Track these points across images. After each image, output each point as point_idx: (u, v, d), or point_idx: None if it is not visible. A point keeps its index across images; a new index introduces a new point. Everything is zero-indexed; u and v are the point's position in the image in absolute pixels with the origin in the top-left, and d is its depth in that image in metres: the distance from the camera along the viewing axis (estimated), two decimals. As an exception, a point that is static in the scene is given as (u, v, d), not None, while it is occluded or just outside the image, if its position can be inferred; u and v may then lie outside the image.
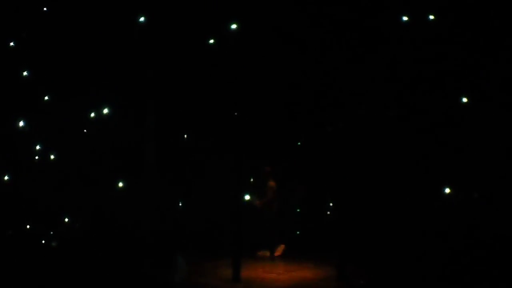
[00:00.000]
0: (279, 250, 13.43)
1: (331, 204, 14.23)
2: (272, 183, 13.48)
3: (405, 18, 11.61)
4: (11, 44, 12.00)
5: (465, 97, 11.50)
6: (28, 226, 12.12)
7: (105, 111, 11.95)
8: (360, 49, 11.87)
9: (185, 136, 13.78)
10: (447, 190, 11.73)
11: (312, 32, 12.10)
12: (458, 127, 11.72)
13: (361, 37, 11.88)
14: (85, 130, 12.27)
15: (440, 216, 11.93)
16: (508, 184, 11.53)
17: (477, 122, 11.56)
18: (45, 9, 12.17)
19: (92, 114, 12.12)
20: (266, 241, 13.40)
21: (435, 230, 11.87)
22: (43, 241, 12.10)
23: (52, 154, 12.18)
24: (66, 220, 12.22)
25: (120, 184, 12.15)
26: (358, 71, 12.00)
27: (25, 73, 12.07)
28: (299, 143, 14.82)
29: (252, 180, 14.14)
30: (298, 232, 14.77)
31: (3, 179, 12.08)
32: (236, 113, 11.73)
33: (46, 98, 12.13)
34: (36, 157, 12.13)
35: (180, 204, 13.76)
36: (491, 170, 11.56)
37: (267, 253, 13.37)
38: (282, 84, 13.12)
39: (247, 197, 12.72)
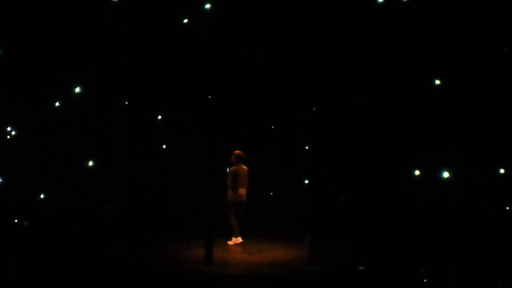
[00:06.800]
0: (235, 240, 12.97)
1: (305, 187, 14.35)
2: (244, 167, 12.89)
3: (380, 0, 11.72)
4: None
5: (437, 79, 11.66)
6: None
7: (77, 90, 11.84)
8: (332, 35, 11.99)
9: (159, 118, 13.74)
10: (417, 172, 11.91)
11: (287, 14, 12.14)
12: (426, 109, 11.89)
13: (333, 22, 11.98)
14: (56, 111, 12.14)
15: (411, 196, 12.11)
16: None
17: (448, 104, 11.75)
18: None
19: (65, 96, 12.03)
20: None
21: (407, 210, 12.04)
22: (15, 221, 12.06)
23: (24, 134, 12.09)
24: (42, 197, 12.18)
25: (90, 163, 12.10)
26: (331, 56, 12.11)
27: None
28: (272, 127, 14.93)
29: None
30: (271, 216, 14.97)
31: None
32: (209, 96, 11.70)
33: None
34: (8, 137, 12.00)
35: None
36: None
37: (239, 240, 13.20)
38: (255, 67, 13.12)
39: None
